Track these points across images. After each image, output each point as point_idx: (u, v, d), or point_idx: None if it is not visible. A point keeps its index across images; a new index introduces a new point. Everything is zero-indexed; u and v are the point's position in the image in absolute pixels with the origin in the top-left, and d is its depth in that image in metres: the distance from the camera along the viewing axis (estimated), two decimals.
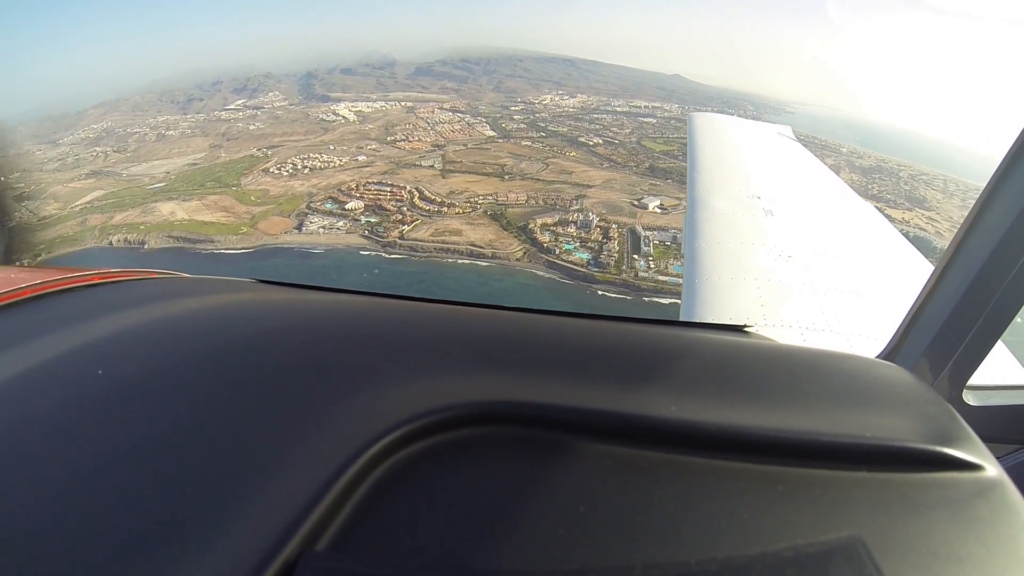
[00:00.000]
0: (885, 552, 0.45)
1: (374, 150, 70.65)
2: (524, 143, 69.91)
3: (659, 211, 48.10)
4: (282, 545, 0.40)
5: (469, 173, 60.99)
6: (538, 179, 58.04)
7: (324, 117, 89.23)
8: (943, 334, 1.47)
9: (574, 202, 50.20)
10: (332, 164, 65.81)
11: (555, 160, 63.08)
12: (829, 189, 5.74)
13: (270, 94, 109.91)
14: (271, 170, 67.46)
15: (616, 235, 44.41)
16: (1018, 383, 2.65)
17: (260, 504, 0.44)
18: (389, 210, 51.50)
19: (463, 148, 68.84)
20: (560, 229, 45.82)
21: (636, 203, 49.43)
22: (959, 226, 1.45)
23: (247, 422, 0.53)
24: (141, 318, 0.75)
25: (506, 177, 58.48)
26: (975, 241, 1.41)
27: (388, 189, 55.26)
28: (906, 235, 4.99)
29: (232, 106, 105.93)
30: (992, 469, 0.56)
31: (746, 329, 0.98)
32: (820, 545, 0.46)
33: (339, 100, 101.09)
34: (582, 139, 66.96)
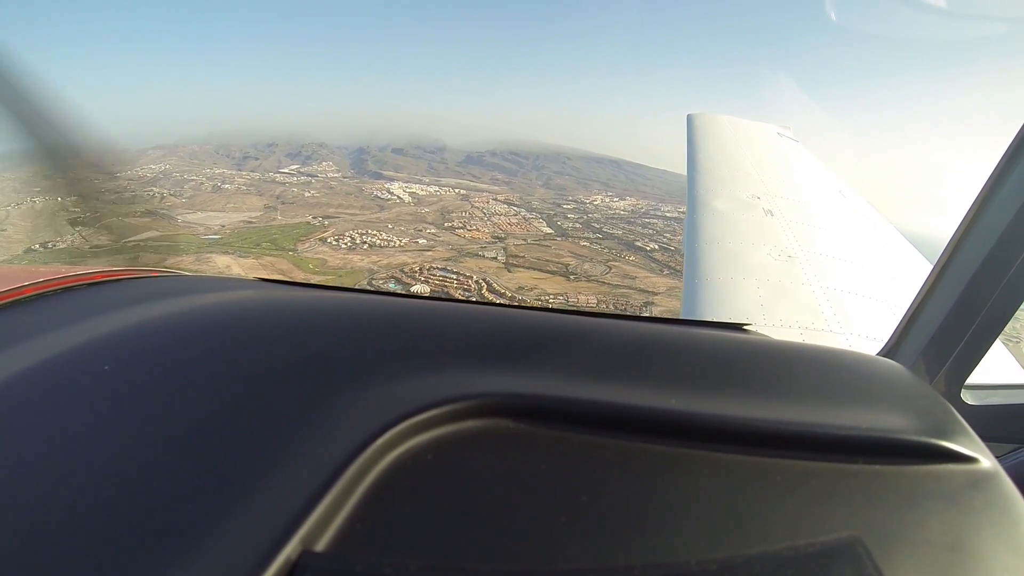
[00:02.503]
0: (880, 541, 0.46)
1: (433, 235, 72.16)
2: (582, 243, 71.34)
3: None
4: (282, 544, 0.40)
5: (533, 269, 61.97)
6: (603, 282, 58.71)
7: (379, 194, 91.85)
8: (941, 333, 1.48)
9: (644, 309, 50.71)
10: (392, 243, 66.99)
11: (616, 264, 64.08)
12: (829, 189, 5.68)
13: (323, 163, 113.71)
14: (328, 240, 68.58)
15: None
16: (1016, 382, 2.60)
17: (260, 502, 0.43)
18: None
19: (524, 243, 70.28)
20: None
21: None
22: (957, 225, 1.47)
23: (247, 419, 0.53)
24: (144, 315, 0.74)
25: (571, 277, 59.33)
26: (973, 240, 1.42)
27: (454, 277, 56.03)
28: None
29: (286, 170, 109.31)
30: (986, 461, 0.58)
31: (745, 328, 0.98)
32: (816, 534, 0.46)
33: (392, 179, 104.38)
34: (638, 243, 67.87)
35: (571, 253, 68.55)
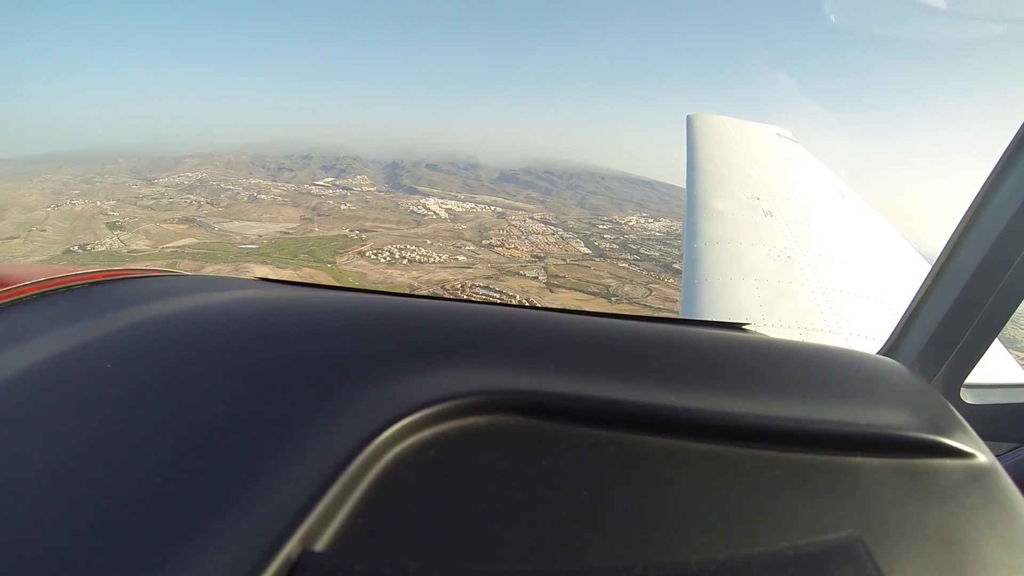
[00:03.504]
0: (878, 535, 0.47)
1: (472, 252, 71.99)
2: (621, 264, 70.84)
3: None
4: (282, 543, 0.39)
5: (574, 290, 61.52)
6: (645, 304, 58.10)
7: (415, 209, 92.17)
8: (940, 332, 1.47)
9: None
10: (432, 259, 66.83)
11: (656, 286, 63.46)
12: (829, 190, 5.60)
13: (358, 177, 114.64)
14: (367, 254, 68.62)
15: None
16: (1016, 381, 2.53)
17: (261, 501, 0.43)
18: None
19: (563, 263, 69.86)
20: None
21: None
22: (956, 225, 1.47)
23: (248, 418, 0.53)
24: (146, 314, 0.75)
25: (613, 299, 58.73)
26: (972, 240, 1.41)
27: (497, 296, 55.60)
28: None
29: (321, 182, 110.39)
30: (983, 457, 0.58)
31: (744, 327, 0.98)
32: (814, 528, 0.47)
33: (427, 194, 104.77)
34: (676, 266, 67.26)
35: (610, 274, 67.92)
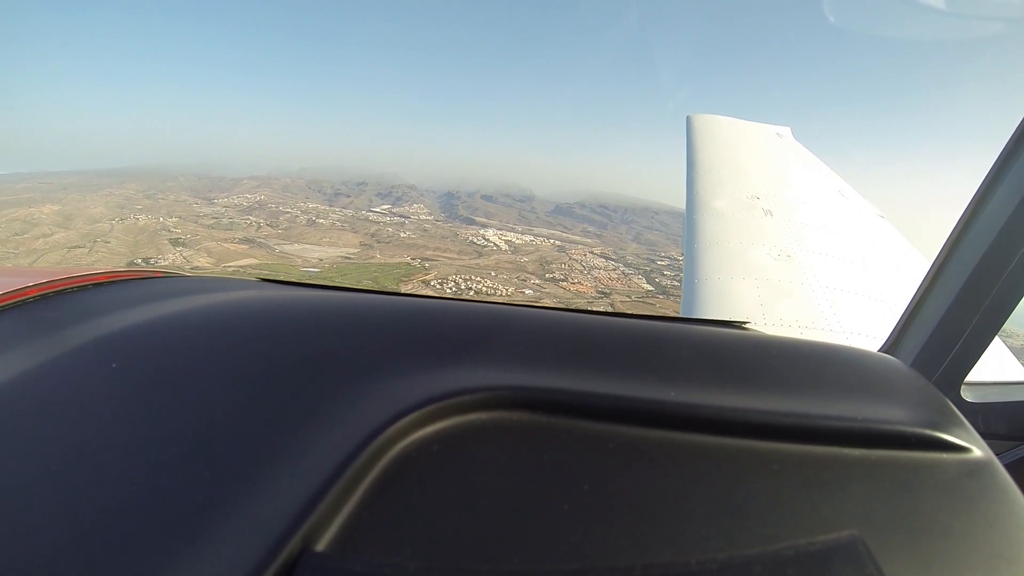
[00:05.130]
0: (875, 529, 0.47)
1: (538, 285, 70.55)
2: None
3: None
4: (283, 543, 0.39)
5: None
6: None
7: (474, 240, 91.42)
8: (940, 331, 1.46)
9: None
10: (498, 291, 65.36)
11: None
12: (828, 189, 5.53)
13: (415, 205, 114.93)
14: (432, 283, 67.53)
15: None
16: (1016, 380, 2.55)
17: (263, 500, 0.43)
18: None
19: (628, 299, 67.80)
20: None
21: None
22: (956, 223, 1.49)
23: (250, 417, 0.53)
24: (149, 314, 0.75)
25: None
26: (971, 237, 1.41)
27: None
28: None
29: (378, 209, 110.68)
30: (980, 451, 0.58)
31: (743, 325, 0.98)
32: (812, 521, 0.48)
33: (484, 225, 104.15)
34: None
35: (675, 312, 65.62)
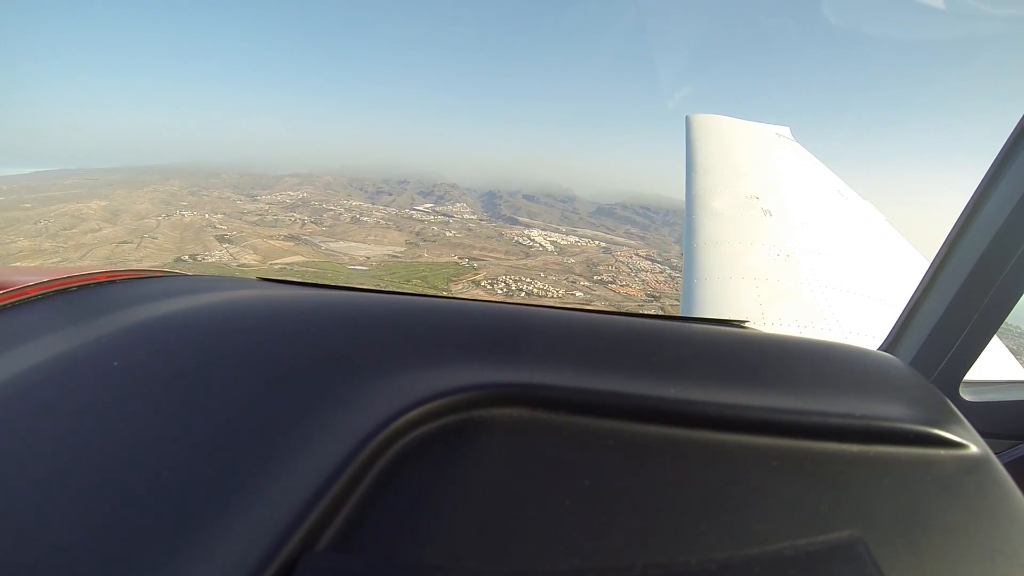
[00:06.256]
0: (873, 525, 0.48)
1: (587, 287, 69.66)
2: None
3: None
4: (283, 543, 0.39)
5: None
6: None
7: (520, 240, 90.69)
8: (939, 330, 1.46)
9: None
10: (549, 293, 64.60)
11: None
12: (827, 189, 5.42)
13: (458, 204, 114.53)
14: (482, 283, 66.93)
15: None
16: (1015, 379, 2.53)
17: (263, 500, 0.43)
18: None
19: (678, 303, 66.48)
20: None
21: None
22: (954, 222, 1.50)
23: (251, 416, 0.53)
24: (150, 313, 0.75)
25: None
26: (969, 237, 1.41)
27: None
28: None
29: (421, 208, 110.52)
30: (978, 448, 0.59)
31: (743, 324, 0.99)
32: (811, 517, 0.48)
33: (528, 225, 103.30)
34: None
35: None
